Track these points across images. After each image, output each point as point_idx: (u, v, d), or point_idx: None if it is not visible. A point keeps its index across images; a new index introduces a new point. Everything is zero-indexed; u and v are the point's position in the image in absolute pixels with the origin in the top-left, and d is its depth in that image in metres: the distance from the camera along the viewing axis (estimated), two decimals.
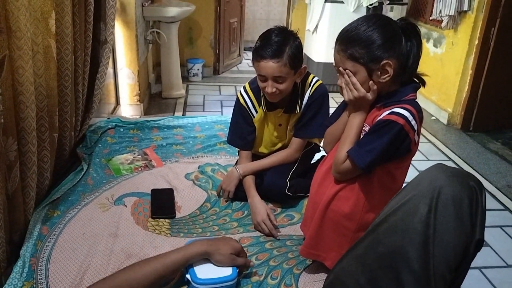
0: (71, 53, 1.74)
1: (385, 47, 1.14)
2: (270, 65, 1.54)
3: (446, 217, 0.84)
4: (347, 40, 1.18)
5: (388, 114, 1.16)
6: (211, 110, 3.99)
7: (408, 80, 1.22)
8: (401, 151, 1.18)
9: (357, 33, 1.17)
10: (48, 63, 1.58)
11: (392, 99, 1.19)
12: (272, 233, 1.56)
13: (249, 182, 1.72)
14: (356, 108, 1.24)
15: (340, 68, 1.21)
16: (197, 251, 1.24)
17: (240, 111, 1.79)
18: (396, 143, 1.15)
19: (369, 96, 1.20)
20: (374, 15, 1.21)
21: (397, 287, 0.85)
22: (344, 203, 1.24)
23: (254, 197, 1.67)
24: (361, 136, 1.25)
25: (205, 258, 1.28)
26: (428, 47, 4.16)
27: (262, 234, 1.58)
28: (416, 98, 1.22)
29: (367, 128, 1.23)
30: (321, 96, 1.71)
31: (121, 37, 3.34)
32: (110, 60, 3.16)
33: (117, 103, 3.47)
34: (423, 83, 1.25)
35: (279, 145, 1.83)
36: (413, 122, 1.14)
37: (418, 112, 1.17)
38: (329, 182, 1.30)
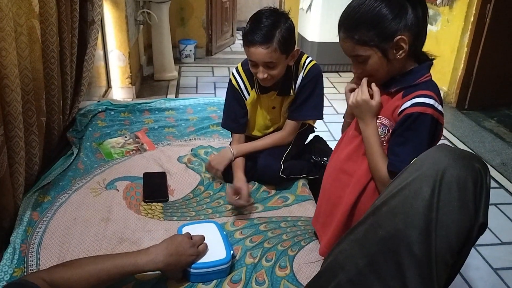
0: (56, 34, 1.69)
1: (394, 22, 1.06)
2: (260, 51, 1.49)
3: (450, 200, 0.81)
4: (352, 25, 1.10)
5: (412, 106, 1.08)
6: (204, 92, 3.94)
7: (420, 53, 1.15)
8: (434, 138, 1.12)
9: (361, 14, 1.08)
10: (32, 45, 1.53)
11: (408, 82, 1.13)
12: (241, 203, 1.52)
13: (238, 164, 1.69)
14: (360, 115, 1.17)
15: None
16: (150, 268, 1.13)
17: (232, 93, 1.75)
18: (432, 133, 1.09)
19: (373, 102, 1.14)
20: None
21: (397, 271, 0.82)
22: (368, 206, 1.17)
23: (240, 180, 1.61)
24: (382, 132, 1.17)
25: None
26: None
27: (257, 217, 1.56)
28: (431, 77, 1.15)
29: (386, 121, 1.16)
30: (314, 77, 1.67)
31: (110, 18, 3.27)
32: (100, 42, 3.10)
33: (109, 86, 3.42)
34: (432, 58, 1.18)
35: (273, 128, 1.80)
36: (439, 107, 1.09)
37: (438, 95, 1.11)
38: (346, 182, 1.24)
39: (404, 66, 1.15)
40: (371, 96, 1.16)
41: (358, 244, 0.89)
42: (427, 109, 1.06)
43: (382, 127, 1.16)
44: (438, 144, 0.92)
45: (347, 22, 1.12)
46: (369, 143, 1.16)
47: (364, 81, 1.16)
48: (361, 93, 1.15)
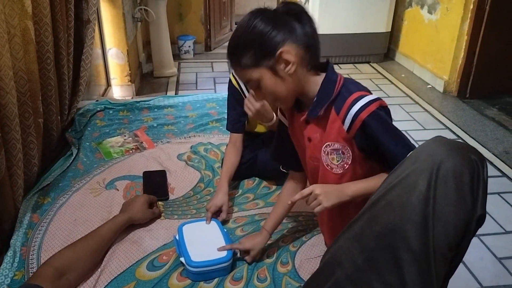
0: (51, 35, 1.68)
1: (270, 37, 1.02)
2: None
3: (446, 193, 0.80)
4: (233, 53, 1.09)
5: (356, 117, 1.03)
6: (204, 88, 3.92)
7: (320, 64, 1.11)
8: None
9: (239, 39, 1.07)
10: (27, 46, 1.52)
11: (329, 97, 1.08)
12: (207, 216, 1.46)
13: (227, 171, 1.63)
14: (338, 197, 1.08)
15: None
16: (123, 220, 1.38)
17: (233, 93, 1.73)
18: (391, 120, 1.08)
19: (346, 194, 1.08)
20: (250, 14, 1.06)
21: (395, 267, 0.81)
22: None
23: (222, 190, 1.55)
24: (339, 158, 1.13)
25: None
26: (422, 13, 4.07)
27: (258, 213, 1.55)
28: (340, 75, 1.11)
29: (337, 145, 1.10)
30: None
31: (108, 16, 3.25)
32: (98, 41, 3.09)
33: (108, 84, 3.41)
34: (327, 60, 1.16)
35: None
36: (371, 97, 1.05)
37: (358, 85, 1.09)
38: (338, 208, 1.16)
39: (310, 81, 1.11)
40: None
41: (355, 240, 0.88)
42: (371, 107, 1.03)
43: (335, 152, 1.11)
44: (436, 136, 0.90)
45: (230, 51, 1.10)
46: (367, 192, 1.08)
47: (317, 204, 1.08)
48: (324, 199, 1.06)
